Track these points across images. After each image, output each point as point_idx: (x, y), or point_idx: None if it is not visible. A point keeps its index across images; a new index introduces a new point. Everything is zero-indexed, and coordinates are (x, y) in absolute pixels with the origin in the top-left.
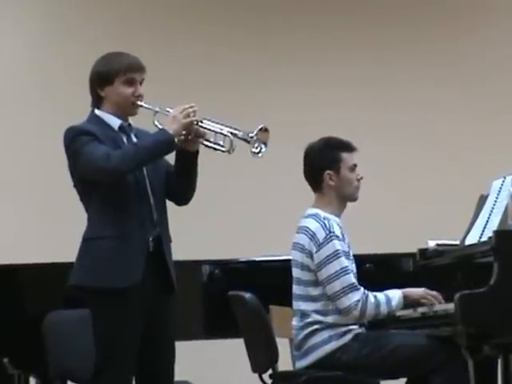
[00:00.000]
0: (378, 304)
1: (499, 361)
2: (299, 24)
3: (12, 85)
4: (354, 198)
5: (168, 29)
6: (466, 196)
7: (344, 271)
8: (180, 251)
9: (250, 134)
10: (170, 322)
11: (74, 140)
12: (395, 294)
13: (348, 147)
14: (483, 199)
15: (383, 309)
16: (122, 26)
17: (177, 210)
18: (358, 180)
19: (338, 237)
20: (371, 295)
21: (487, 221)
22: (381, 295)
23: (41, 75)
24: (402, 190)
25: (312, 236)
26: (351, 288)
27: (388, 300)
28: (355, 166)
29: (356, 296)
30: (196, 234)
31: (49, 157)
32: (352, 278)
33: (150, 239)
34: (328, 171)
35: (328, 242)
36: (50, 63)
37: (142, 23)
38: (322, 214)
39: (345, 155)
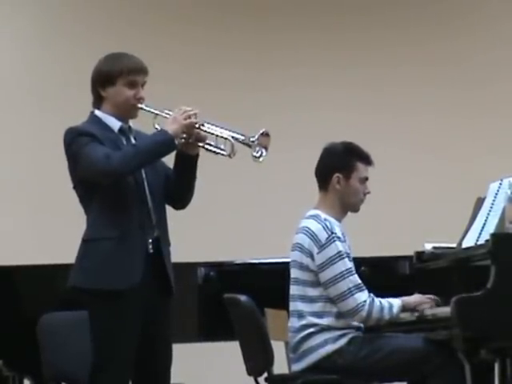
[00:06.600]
0: (382, 308)
1: (496, 365)
2: (299, 24)
3: (5, 86)
4: (355, 209)
5: (166, 30)
6: (464, 198)
7: (349, 272)
8: (175, 253)
9: (252, 139)
10: (167, 323)
11: (74, 141)
12: (395, 302)
13: (366, 159)
14: (480, 202)
15: (385, 314)
16: (121, 27)
17: (172, 212)
18: (365, 194)
19: (339, 238)
20: (376, 298)
21: (484, 223)
22: (383, 300)
23: (33, 75)
24: (399, 192)
25: (312, 236)
26: (358, 288)
27: (390, 306)
28: (366, 179)
29: (363, 297)
30: (191, 235)
31: (46, 157)
32: (358, 279)
33: (150, 241)
34: (338, 174)
35: (330, 243)
36: (42, 64)
37: (140, 25)
38: (323, 215)
39: (360, 165)
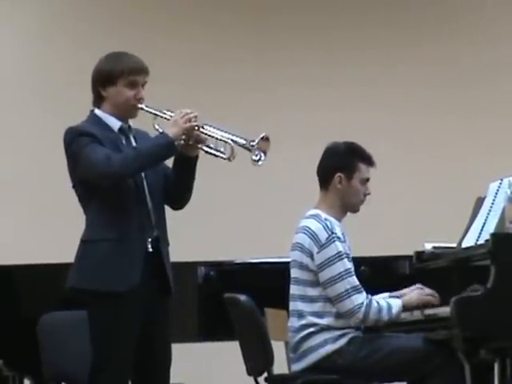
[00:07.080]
0: (380, 309)
1: (496, 365)
2: (295, 24)
3: (6, 84)
4: (355, 210)
5: (166, 29)
6: (463, 198)
7: (348, 273)
8: (175, 253)
9: (252, 143)
10: (166, 323)
11: (74, 141)
12: (395, 303)
13: (368, 160)
14: (480, 202)
15: (384, 315)
16: (122, 26)
17: (172, 211)
18: (365, 195)
19: (339, 238)
20: (374, 300)
21: (484, 223)
22: (382, 301)
23: (34, 74)
24: (400, 192)
25: (312, 236)
26: (355, 290)
27: (389, 307)
28: (368, 180)
29: (360, 299)
30: (191, 235)
31: (47, 157)
32: (356, 280)
33: (149, 240)
34: (340, 174)
35: (330, 243)
36: (44, 62)
37: (140, 24)
38: (323, 215)
39: (362, 166)
